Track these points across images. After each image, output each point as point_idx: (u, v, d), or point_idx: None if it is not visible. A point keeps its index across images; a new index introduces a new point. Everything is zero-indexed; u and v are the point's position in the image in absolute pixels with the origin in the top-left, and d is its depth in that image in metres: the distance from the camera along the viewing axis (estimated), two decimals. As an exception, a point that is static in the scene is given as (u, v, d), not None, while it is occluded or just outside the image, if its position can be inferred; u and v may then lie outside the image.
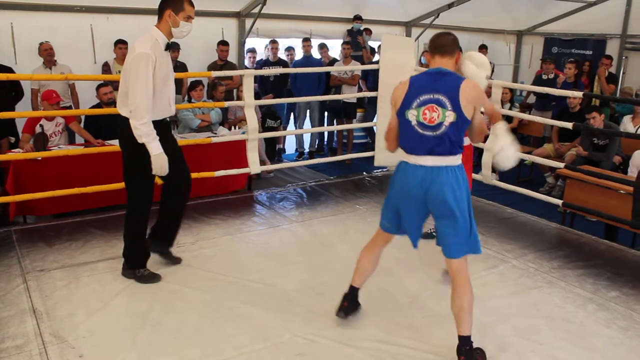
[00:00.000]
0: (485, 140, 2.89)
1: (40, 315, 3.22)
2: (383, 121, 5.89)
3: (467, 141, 3.62)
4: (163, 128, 3.58)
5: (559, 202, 5.05)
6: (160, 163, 3.40)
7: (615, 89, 8.40)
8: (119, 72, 6.54)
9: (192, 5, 3.47)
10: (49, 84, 5.96)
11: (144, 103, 3.32)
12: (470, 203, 2.88)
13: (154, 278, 3.70)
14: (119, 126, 3.53)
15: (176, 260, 3.97)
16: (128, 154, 3.55)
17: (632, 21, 9.33)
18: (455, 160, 2.83)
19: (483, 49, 9.40)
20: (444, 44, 2.88)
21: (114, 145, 5.07)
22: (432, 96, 2.77)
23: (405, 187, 2.88)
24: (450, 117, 2.74)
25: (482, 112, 3.34)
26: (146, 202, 3.64)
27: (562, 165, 5.19)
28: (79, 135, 5.59)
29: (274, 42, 7.88)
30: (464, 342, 2.85)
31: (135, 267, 3.71)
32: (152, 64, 3.33)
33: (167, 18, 3.42)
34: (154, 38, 3.41)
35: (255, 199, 5.51)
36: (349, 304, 3.23)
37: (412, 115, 2.81)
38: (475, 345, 2.87)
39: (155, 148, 3.38)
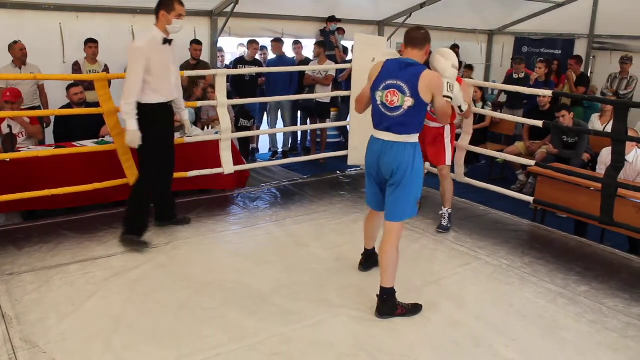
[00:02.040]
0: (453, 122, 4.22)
1: (9, 320, 3.15)
2: (356, 120, 5.92)
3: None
4: (167, 110, 4.25)
5: (530, 199, 5.13)
6: (132, 137, 3.98)
7: (586, 90, 8.55)
8: (90, 71, 6.48)
9: (182, 4, 4.02)
10: (17, 84, 5.83)
11: (131, 87, 3.92)
12: (419, 177, 3.31)
13: (144, 245, 4.16)
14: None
15: (187, 220, 4.69)
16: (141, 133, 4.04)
17: (599, 22, 9.54)
18: (409, 138, 3.25)
19: (455, 47, 9.57)
20: (416, 37, 3.28)
21: (86, 145, 4.99)
22: (395, 82, 3.19)
23: (368, 155, 3.40)
24: (408, 102, 3.16)
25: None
26: (154, 173, 4.25)
27: (533, 162, 5.27)
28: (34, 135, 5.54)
29: (254, 42, 7.84)
30: (384, 291, 3.30)
31: (134, 233, 4.17)
32: (143, 56, 3.91)
33: (161, 18, 4.00)
34: (152, 35, 4.01)
35: (229, 199, 5.48)
36: (365, 260, 3.87)
37: (378, 96, 3.27)
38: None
39: (131, 125, 3.97)
